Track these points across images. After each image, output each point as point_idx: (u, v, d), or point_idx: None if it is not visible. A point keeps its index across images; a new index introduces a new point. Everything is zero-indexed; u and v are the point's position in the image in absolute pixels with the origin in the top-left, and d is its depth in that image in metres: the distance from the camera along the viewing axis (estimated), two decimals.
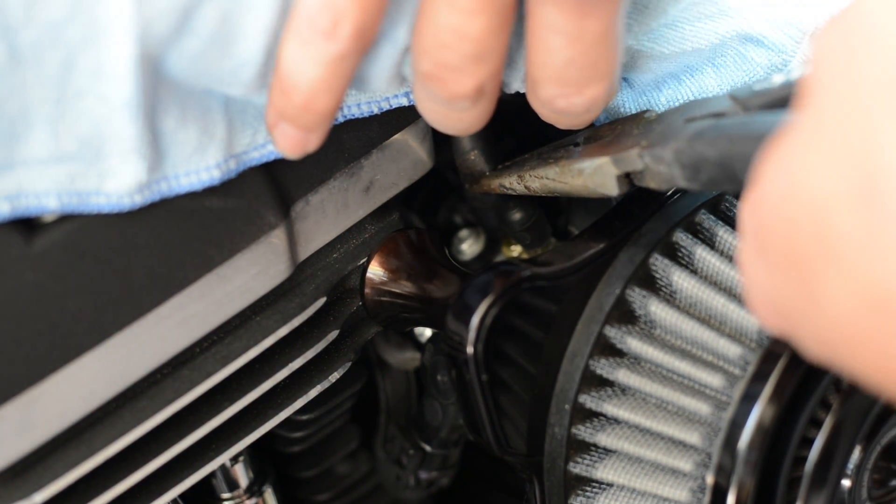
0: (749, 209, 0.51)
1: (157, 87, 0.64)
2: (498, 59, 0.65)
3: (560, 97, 0.68)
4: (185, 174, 0.67)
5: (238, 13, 0.62)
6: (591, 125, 0.76)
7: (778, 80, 0.65)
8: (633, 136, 0.71)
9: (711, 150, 0.63)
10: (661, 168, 0.67)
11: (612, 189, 0.72)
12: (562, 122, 0.71)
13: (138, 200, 0.66)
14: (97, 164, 0.64)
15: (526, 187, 0.78)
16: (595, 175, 0.72)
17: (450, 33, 0.63)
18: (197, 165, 0.67)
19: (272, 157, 0.70)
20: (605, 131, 0.76)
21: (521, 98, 0.73)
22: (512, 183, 0.79)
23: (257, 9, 0.62)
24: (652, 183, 0.69)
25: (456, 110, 0.67)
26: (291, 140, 0.67)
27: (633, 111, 0.77)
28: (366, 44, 0.63)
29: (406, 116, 0.77)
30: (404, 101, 0.73)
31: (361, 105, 0.73)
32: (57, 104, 0.62)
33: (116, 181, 0.65)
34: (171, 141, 0.66)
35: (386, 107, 0.73)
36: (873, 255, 0.44)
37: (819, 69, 0.47)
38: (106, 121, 0.63)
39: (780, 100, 0.64)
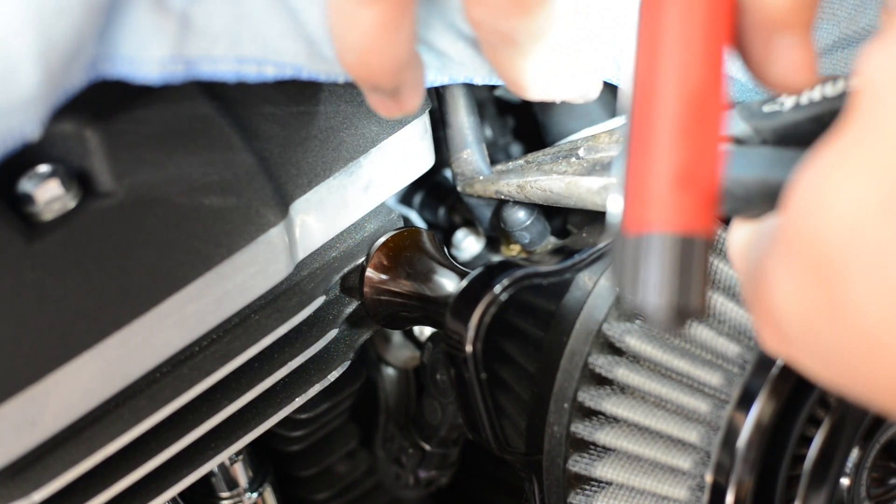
0: (780, 220, 0.51)
1: None
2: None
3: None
4: (123, 60, 0.64)
5: None
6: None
7: (789, 103, 0.64)
8: None
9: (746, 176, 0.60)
10: None
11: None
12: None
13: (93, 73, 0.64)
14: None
15: (526, 196, 0.78)
16: (605, 191, 0.72)
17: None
18: (138, 53, 0.64)
19: (227, 78, 0.66)
20: (604, 139, 0.75)
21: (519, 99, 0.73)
22: (511, 192, 0.79)
23: None
24: None
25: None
26: (379, 104, 0.66)
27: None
28: None
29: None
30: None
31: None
32: None
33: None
34: (118, 19, 0.63)
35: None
36: None
37: (864, 90, 0.48)
38: None
39: (793, 124, 0.63)
